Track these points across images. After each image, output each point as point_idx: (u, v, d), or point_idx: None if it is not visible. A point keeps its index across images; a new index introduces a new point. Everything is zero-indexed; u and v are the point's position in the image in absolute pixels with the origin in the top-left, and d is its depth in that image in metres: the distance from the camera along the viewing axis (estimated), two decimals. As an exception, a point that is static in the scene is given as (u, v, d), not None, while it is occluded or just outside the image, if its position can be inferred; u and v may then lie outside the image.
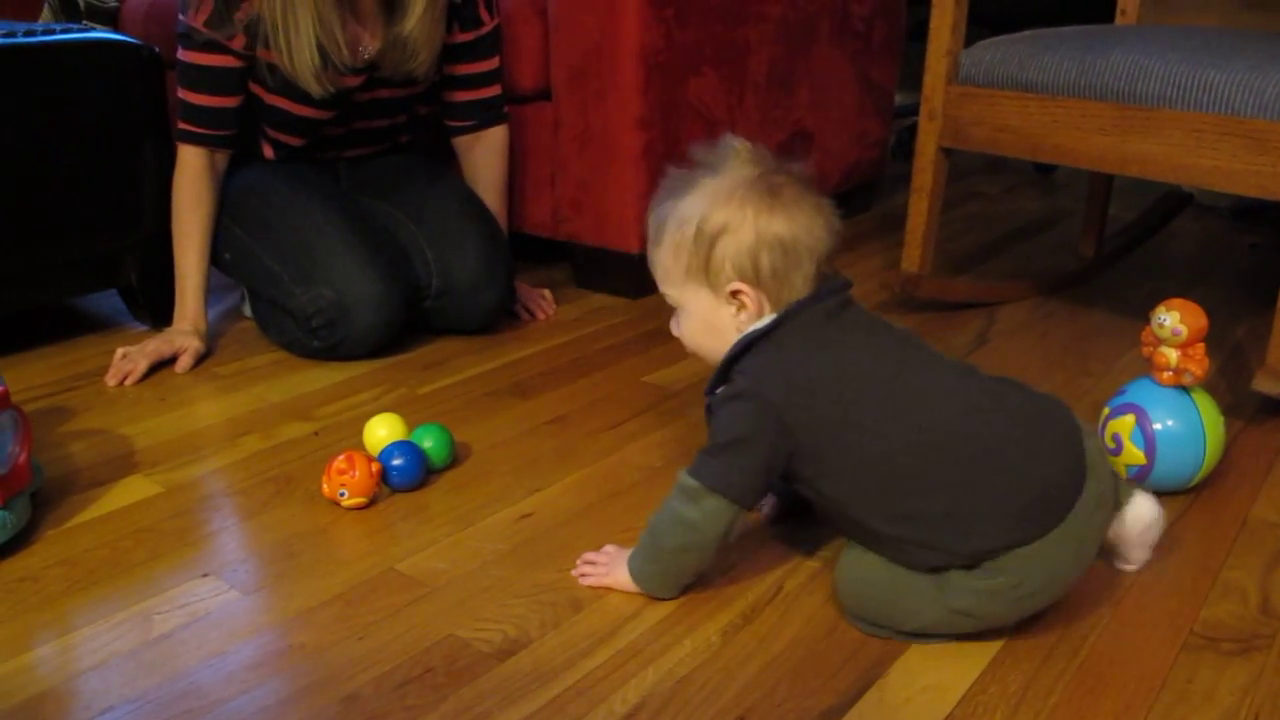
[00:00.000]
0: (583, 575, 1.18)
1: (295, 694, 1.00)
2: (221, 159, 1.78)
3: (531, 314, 1.99)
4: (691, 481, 1.08)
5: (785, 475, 1.09)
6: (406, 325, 1.79)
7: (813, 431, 1.05)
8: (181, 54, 1.71)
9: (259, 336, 1.86)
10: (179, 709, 0.98)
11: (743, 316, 1.10)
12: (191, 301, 1.77)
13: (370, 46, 1.75)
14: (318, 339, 1.73)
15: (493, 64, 1.92)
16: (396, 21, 1.73)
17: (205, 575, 1.18)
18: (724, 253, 1.07)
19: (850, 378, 1.06)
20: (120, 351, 1.70)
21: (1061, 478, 1.03)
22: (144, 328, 1.90)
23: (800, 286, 1.08)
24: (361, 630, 1.09)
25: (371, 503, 1.32)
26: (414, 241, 1.83)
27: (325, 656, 1.05)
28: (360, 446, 1.40)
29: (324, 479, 1.31)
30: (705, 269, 1.09)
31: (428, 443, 1.39)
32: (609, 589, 1.16)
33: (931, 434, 1.04)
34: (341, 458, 1.31)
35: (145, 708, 0.98)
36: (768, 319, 1.08)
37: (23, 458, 1.23)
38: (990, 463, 1.03)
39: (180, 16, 1.69)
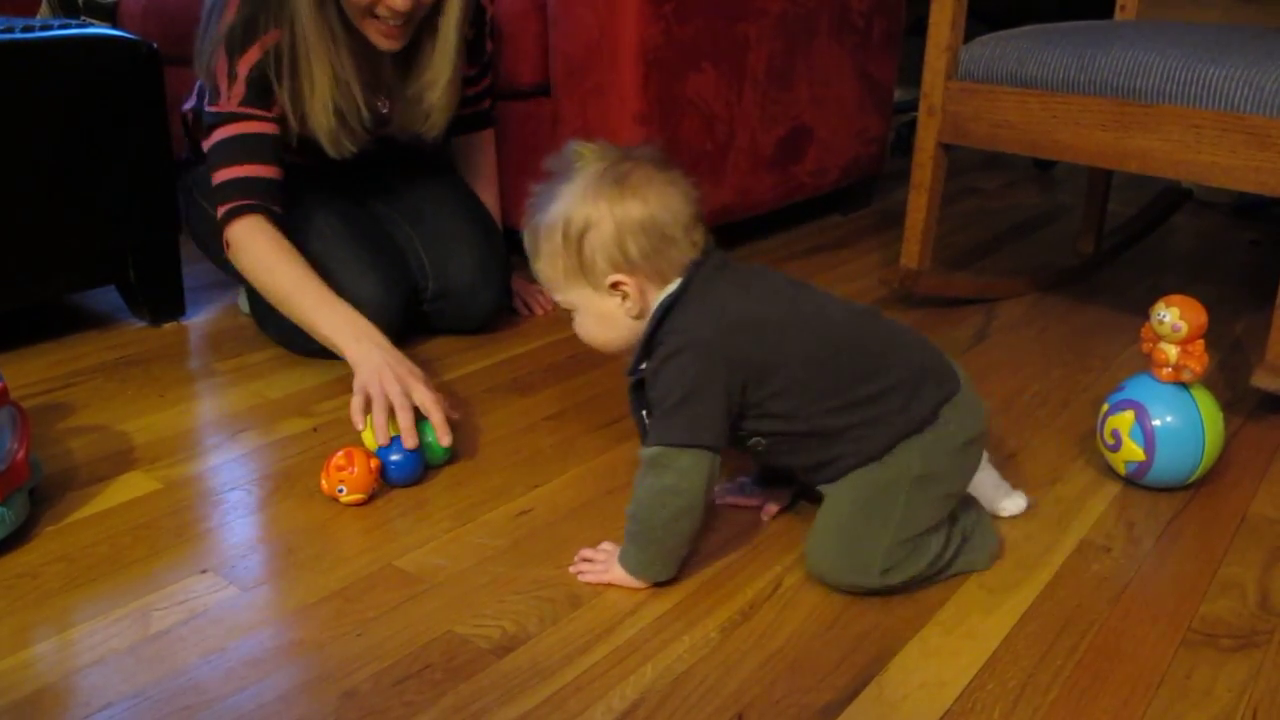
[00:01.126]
0: (580, 573, 1.18)
1: (294, 690, 1.00)
2: (279, 232, 1.63)
3: (530, 309, 1.98)
4: (656, 449, 1.11)
5: (741, 411, 1.13)
6: (406, 328, 1.79)
7: (752, 359, 1.11)
8: (217, 135, 1.61)
9: (257, 334, 1.85)
10: (178, 705, 0.98)
11: (628, 304, 1.15)
12: (358, 319, 1.56)
13: (379, 105, 1.73)
14: (316, 342, 1.71)
15: (488, 82, 1.93)
16: (410, 84, 1.71)
17: (204, 571, 1.18)
18: (593, 249, 1.12)
19: (767, 305, 1.15)
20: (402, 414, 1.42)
21: (940, 353, 1.20)
22: (143, 324, 1.90)
23: (679, 257, 1.13)
24: (360, 626, 1.09)
25: (370, 499, 1.32)
26: (410, 244, 1.82)
27: (324, 652, 1.05)
28: (359, 443, 1.40)
29: (323, 475, 1.31)
30: (580, 269, 1.14)
31: (428, 438, 1.39)
32: (608, 585, 1.16)
33: (848, 329, 1.17)
34: (340, 454, 1.30)
35: (144, 704, 0.98)
36: (672, 287, 1.14)
37: (21, 454, 1.23)
38: (900, 340, 1.19)
39: (207, 108, 1.62)
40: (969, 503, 1.23)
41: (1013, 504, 1.30)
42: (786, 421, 1.14)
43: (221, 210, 1.61)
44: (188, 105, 1.78)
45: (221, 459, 1.44)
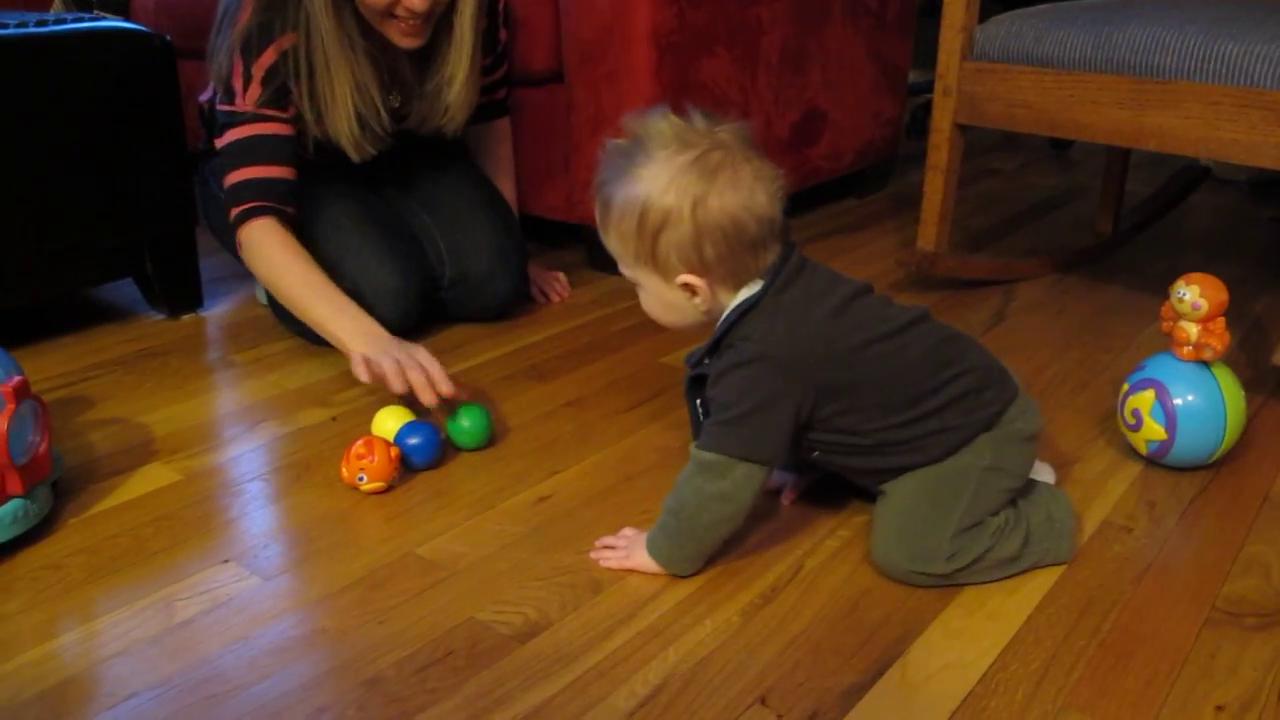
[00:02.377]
0: (602, 559, 1.18)
1: (317, 678, 1.00)
2: (292, 235, 1.64)
3: (547, 296, 1.98)
4: (713, 455, 1.09)
5: (805, 424, 1.12)
6: (424, 316, 1.79)
7: (825, 379, 1.09)
8: (229, 136, 1.62)
9: (274, 324, 1.86)
10: (202, 694, 0.98)
11: (698, 300, 1.12)
12: (364, 318, 1.57)
13: (399, 101, 1.73)
14: None
15: (503, 72, 1.93)
16: (429, 80, 1.71)
17: (226, 561, 1.19)
18: (668, 245, 1.08)
19: (843, 322, 1.11)
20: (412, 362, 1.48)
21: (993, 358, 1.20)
22: (161, 316, 1.91)
23: (757, 261, 1.10)
24: (382, 614, 1.09)
25: (390, 487, 1.32)
26: (427, 231, 1.82)
27: (347, 640, 1.06)
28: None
29: (343, 464, 1.32)
30: (653, 259, 1.10)
31: (465, 422, 1.39)
32: (629, 570, 1.16)
33: (918, 346, 1.13)
34: (360, 443, 1.31)
35: (168, 693, 0.98)
36: (749, 291, 1.10)
37: (43, 447, 1.24)
38: (966, 350, 1.17)
39: (221, 107, 1.63)
40: (1039, 495, 1.21)
41: (1045, 474, 1.29)
42: (850, 435, 1.13)
43: (235, 212, 1.62)
44: (204, 96, 1.78)
45: (241, 450, 1.44)
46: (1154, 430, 1.31)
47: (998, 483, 1.14)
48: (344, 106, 1.62)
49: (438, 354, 1.65)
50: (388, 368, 1.44)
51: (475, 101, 1.78)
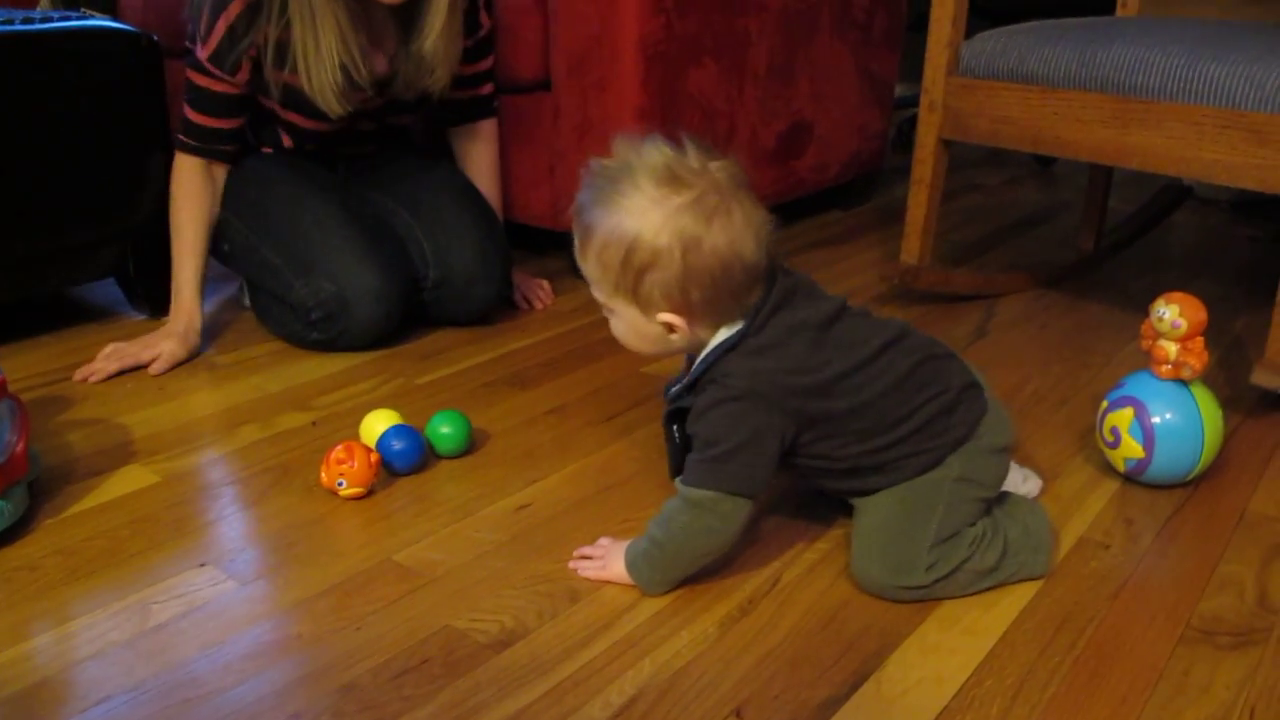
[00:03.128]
0: (580, 569, 1.18)
1: (292, 683, 1.00)
2: (220, 170, 1.78)
3: (530, 304, 1.98)
4: (701, 493, 1.09)
5: (785, 451, 1.12)
6: (406, 318, 1.79)
7: (806, 412, 1.10)
8: (188, 74, 1.71)
9: (257, 327, 1.85)
10: (176, 698, 0.98)
11: (674, 337, 1.11)
12: (186, 299, 1.75)
13: (380, 64, 1.74)
14: (317, 331, 1.73)
15: (487, 64, 1.93)
16: (413, 39, 1.71)
17: (203, 565, 1.18)
18: (652, 284, 1.06)
19: (825, 353, 1.10)
20: (108, 348, 1.68)
21: (968, 369, 1.21)
22: (142, 317, 1.90)
23: (739, 303, 1.09)
24: (359, 620, 1.09)
25: (369, 493, 1.32)
26: (411, 233, 1.82)
27: (322, 646, 1.05)
28: (358, 437, 1.40)
29: (322, 469, 1.31)
30: (634, 293, 1.08)
31: (445, 429, 1.39)
32: (606, 581, 1.16)
33: (895, 370, 1.13)
34: (340, 448, 1.30)
35: (142, 697, 0.98)
36: (729, 331, 1.10)
37: (20, 447, 1.23)
38: (942, 369, 1.17)
39: (188, 43, 1.69)
40: (1014, 507, 1.22)
41: (1033, 485, 1.33)
42: (826, 460, 1.14)
43: (178, 136, 1.75)
44: None
45: (221, 452, 1.44)
46: (1132, 448, 1.32)
47: (969, 493, 1.15)
48: (328, 57, 1.64)
49: (419, 359, 1.66)
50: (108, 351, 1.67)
51: (458, 57, 1.78)
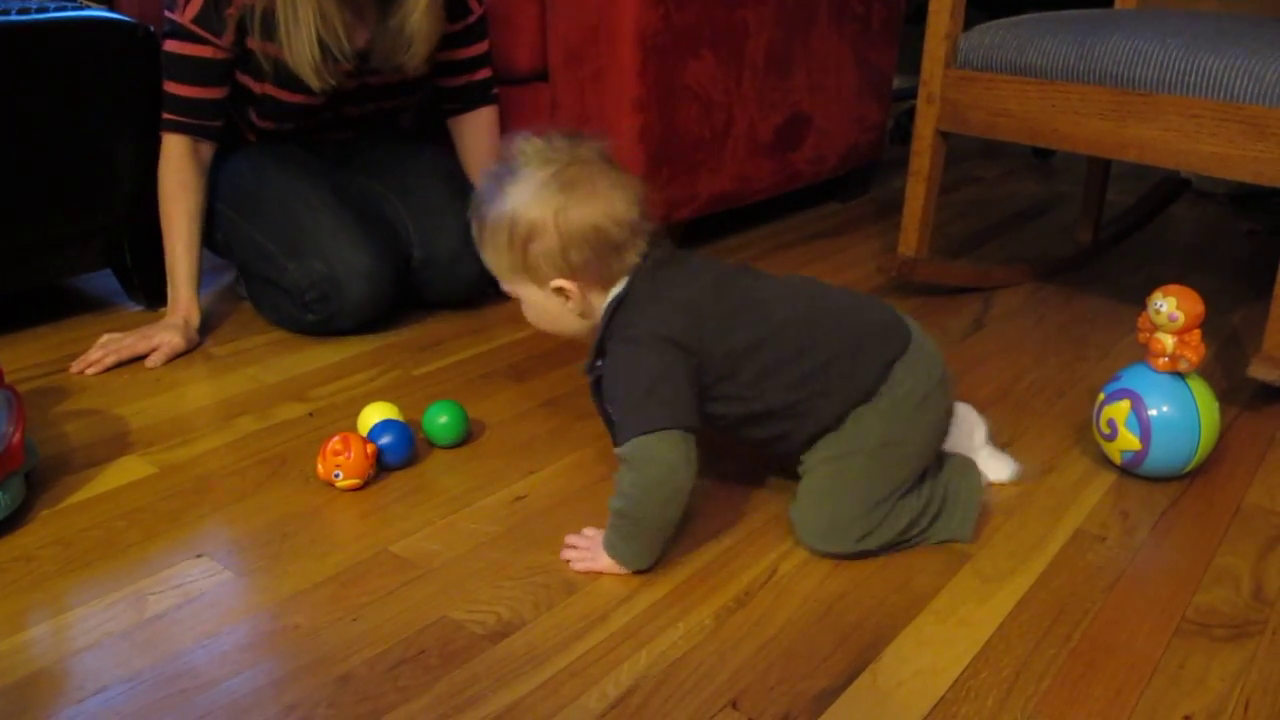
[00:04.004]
0: (569, 561, 1.18)
1: (289, 674, 1.00)
2: (206, 149, 1.78)
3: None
4: (632, 443, 1.11)
5: (700, 394, 1.16)
6: (398, 298, 1.82)
7: (701, 347, 1.14)
8: (167, 45, 1.71)
9: (254, 318, 1.85)
10: (172, 689, 0.98)
11: (571, 304, 1.19)
12: (183, 291, 1.75)
13: (361, 37, 1.75)
14: (311, 312, 1.75)
15: (480, 49, 1.93)
16: (392, 14, 1.73)
17: (199, 556, 1.18)
18: (537, 254, 1.15)
19: (709, 295, 1.17)
20: (104, 338, 1.69)
21: (886, 311, 1.24)
22: (139, 308, 1.90)
23: (622, 262, 1.16)
24: (355, 611, 1.09)
25: (366, 484, 1.32)
26: (397, 214, 1.86)
27: (319, 637, 1.05)
28: (355, 428, 1.40)
29: (319, 460, 1.31)
30: (525, 269, 1.17)
31: (442, 419, 1.39)
32: (598, 573, 1.16)
33: (787, 307, 1.18)
34: (337, 439, 1.30)
35: (139, 688, 0.98)
36: (617, 289, 1.17)
37: (17, 437, 1.23)
38: (839, 306, 1.22)
39: (166, 12, 1.70)
40: (951, 470, 1.25)
41: (1000, 468, 1.34)
42: (741, 404, 1.18)
43: (163, 115, 1.74)
44: None
45: (217, 443, 1.44)
46: (1129, 440, 1.32)
47: (895, 453, 1.18)
48: (306, 28, 1.65)
49: (417, 351, 1.66)
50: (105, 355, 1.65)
51: (437, 36, 1.79)
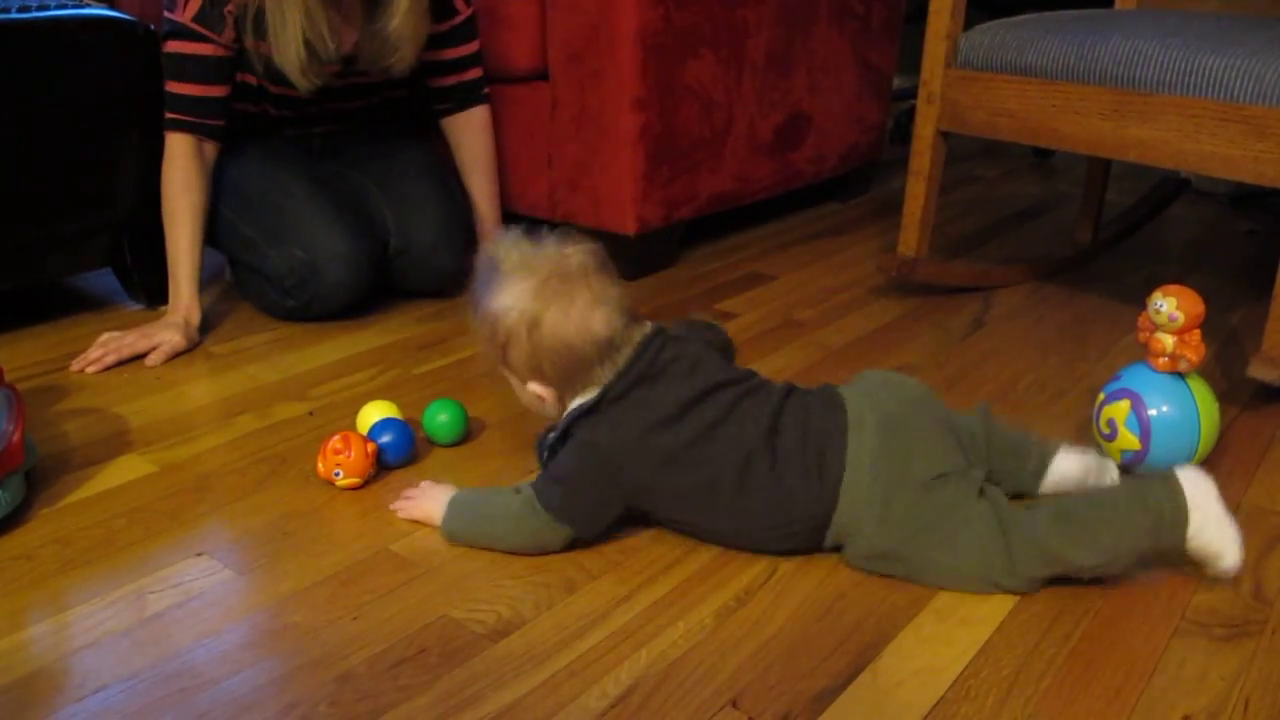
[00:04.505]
0: (399, 509, 1.26)
1: (289, 673, 1.00)
2: (210, 149, 1.78)
3: None
4: (534, 505, 1.17)
5: (639, 512, 1.21)
6: (375, 285, 1.86)
7: (642, 478, 1.16)
8: (168, 46, 1.72)
9: (254, 316, 1.86)
10: (172, 688, 0.98)
11: (547, 406, 1.22)
12: (184, 290, 1.76)
13: (348, 40, 1.77)
14: (291, 298, 1.80)
15: (469, 49, 1.94)
16: (378, 18, 1.75)
17: (199, 555, 1.18)
18: (514, 358, 1.19)
19: (662, 433, 1.15)
20: (104, 337, 1.69)
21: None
22: (139, 307, 1.90)
23: (594, 376, 1.17)
24: (355, 610, 1.09)
25: (366, 483, 1.32)
26: (377, 205, 1.89)
27: (319, 636, 1.05)
28: (355, 428, 1.40)
29: (319, 459, 1.31)
30: (507, 365, 1.22)
31: (442, 417, 1.40)
32: (419, 523, 1.24)
33: (730, 456, 1.15)
34: (337, 437, 1.30)
35: (138, 686, 0.98)
36: (587, 396, 1.18)
37: (16, 436, 1.23)
38: (796, 428, 1.17)
39: (166, 13, 1.70)
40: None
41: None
42: (688, 526, 1.21)
43: (166, 115, 1.74)
44: None
45: (217, 442, 1.44)
46: (1129, 440, 1.32)
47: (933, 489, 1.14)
48: (293, 29, 1.67)
49: (416, 349, 1.66)
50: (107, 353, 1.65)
51: (423, 38, 1.81)
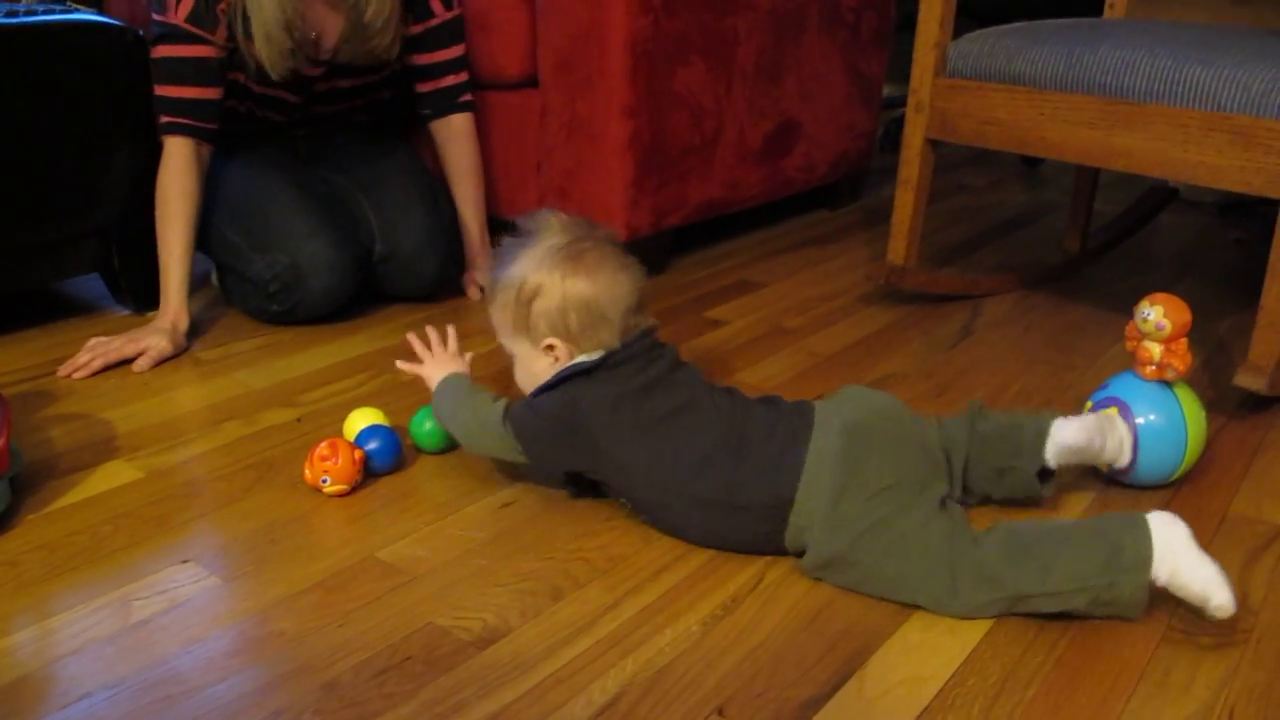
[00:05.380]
0: (405, 365, 1.43)
1: (274, 680, 1.00)
2: (206, 152, 1.78)
3: (465, 288, 2.03)
4: (509, 422, 1.26)
5: (596, 482, 1.28)
6: (359, 291, 1.87)
7: (608, 447, 1.21)
8: (160, 50, 1.72)
9: (243, 322, 1.85)
10: (157, 695, 0.98)
11: (556, 364, 1.27)
12: (174, 296, 1.76)
13: (332, 38, 1.80)
14: (276, 303, 1.81)
15: (449, 54, 1.95)
16: (360, 7, 1.77)
17: (185, 561, 1.18)
18: (538, 313, 1.25)
19: (640, 403, 1.22)
20: (91, 341, 1.68)
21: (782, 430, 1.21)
22: (127, 312, 1.89)
23: (607, 337, 1.25)
24: (341, 618, 1.09)
25: (353, 490, 1.32)
26: (361, 210, 1.90)
27: (305, 643, 1.05)
28: (342, 434, 1.40)
29: (306, 465, 1.31)
30: (526, 326, 1.27)
31: (428, 425, 1.40)
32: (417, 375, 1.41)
33: (701, 439, 1.20)
34: (324, 445, 1.30)
35: (123, 694, 0.98)
36: (593, 356, 1.24)
37: (2, 442, 1.23)
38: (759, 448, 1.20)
39: (155, 16, 1.70)
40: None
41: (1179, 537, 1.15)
42: (642, 505, 1.25)
43: (160, 119, 1.75)
44: None
45: (204, 448, 1.43)
46: (1115, 449, 1.32)
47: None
48: (271, 13, 1.69)
49: (405, 356, 1.65)
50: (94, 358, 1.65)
51: (396, 21, 1.82)
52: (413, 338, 1.47)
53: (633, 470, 1.21)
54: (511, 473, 1.38)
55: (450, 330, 1.48)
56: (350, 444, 1.32)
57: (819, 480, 1.14)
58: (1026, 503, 1.29)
